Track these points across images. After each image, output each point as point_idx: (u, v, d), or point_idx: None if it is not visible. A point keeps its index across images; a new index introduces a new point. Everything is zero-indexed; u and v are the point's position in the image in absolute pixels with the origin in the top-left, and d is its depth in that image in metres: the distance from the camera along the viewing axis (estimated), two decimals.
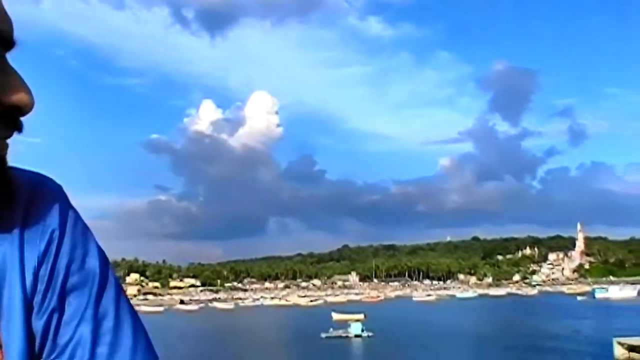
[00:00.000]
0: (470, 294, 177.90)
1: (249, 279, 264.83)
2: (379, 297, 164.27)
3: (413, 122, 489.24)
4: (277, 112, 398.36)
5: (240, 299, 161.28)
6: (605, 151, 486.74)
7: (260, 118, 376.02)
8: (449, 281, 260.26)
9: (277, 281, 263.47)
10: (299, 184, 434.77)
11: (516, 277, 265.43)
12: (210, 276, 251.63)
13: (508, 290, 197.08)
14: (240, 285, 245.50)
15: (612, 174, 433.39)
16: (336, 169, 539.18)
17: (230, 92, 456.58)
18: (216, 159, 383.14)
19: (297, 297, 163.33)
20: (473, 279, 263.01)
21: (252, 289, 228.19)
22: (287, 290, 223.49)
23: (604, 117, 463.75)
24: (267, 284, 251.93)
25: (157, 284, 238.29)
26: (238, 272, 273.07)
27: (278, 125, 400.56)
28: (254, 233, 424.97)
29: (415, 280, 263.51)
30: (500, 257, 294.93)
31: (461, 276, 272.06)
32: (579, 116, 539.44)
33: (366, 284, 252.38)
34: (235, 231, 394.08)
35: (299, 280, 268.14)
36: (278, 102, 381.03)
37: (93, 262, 0.97)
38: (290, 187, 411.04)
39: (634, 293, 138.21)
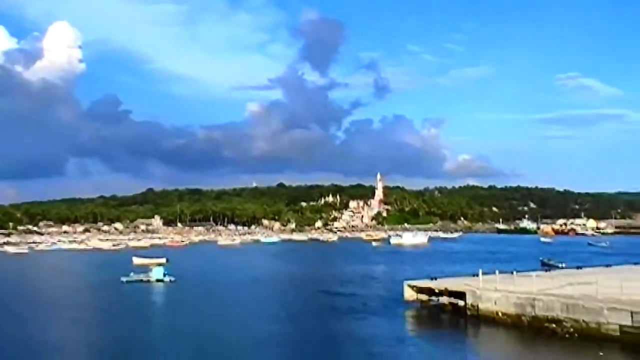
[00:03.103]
0: (274, 239, 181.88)
1: (45, 222, 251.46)
2: (183, 241, 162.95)
3: (224, 67, 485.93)
4: (80, 47, 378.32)
5: (35, 242, 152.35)
6: (405, 105, 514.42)
7: (60, 52, 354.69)
8: (253, 226, 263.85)
9: (77, 225, 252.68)
10: (102, 124, 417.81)
11: (318, 224, 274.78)
12: (1, 219, 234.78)
13: (310, 235, 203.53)
14: (35, 228, 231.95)
15: (411, 127, 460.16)
16: (142, 110, 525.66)
17: (27, 21, 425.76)
18: (9, 93, 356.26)
19: (98, 241, 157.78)
20: (277, 225, 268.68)
21: (48, 233, 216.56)
22: (87, 234, 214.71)
23: (405, 73, 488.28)
24: (65, 228, 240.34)
25: None
26: (33, 214, 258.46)
27: (80, 61, 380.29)
28: (51, 174, 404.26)
29: (221, 225, 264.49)
30: (304, 204, 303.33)
31: (266, 222, 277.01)
32: (383, 70, 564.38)
33: (170, 228, 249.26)
34: (31, 171, 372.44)
35: (100, 223, 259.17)
36: (81, 35, 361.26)
37: None
38: (93, 127, 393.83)
39: (425, 240, 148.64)
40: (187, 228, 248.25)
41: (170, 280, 56.47)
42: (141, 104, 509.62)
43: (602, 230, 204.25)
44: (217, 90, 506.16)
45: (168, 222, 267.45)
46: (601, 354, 24.73)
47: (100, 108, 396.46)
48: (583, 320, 28.11)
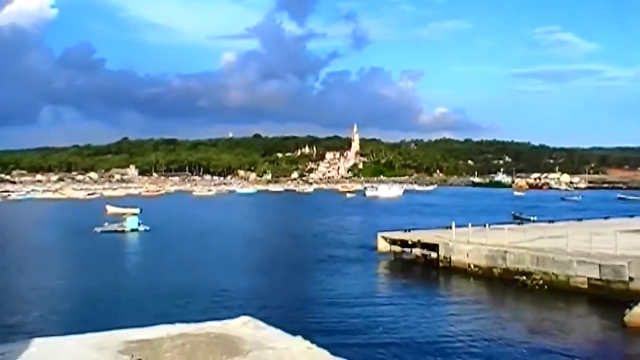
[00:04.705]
0: (249, 189, 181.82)
1: (18, 171, 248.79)
2: (158, 191, 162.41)
3: (200, 15, 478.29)
4: None
5: (7, 192, 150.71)
6: (384, 57, 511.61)
7: None
8: (229, 177, 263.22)
9: (50, 174, 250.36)
10: (76, 72, 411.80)
11: (294, 175, 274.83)
12: None
13: (286, 186, 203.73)
14: (8, 177, 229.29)
15: (389, 79, 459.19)
16: (117, 58, 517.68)
17: None
18: None
19: (72, 190, 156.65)
20: (253, 175, 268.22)
21: (21, 182, 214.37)
22: (61, 183, 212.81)
23: (385, 24, 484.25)
24: (39, 177, 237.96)
25: None
26: (5, 163, 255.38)
27: (52, 7, 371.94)
28: (24, 122, 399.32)
29: (196, 175, 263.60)
30: (280, 155, 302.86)
31: (241, 172, 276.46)
32: (362, 21, 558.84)
33: (146, 178, 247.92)
34: (2, 119, 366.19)
35: (74, 173, 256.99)
36: None
37: None
38: (66, 75, 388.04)
39: (400, 192, 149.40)
40: (162, 178, 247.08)
41: (145, 229, 56.32)
42: (115, 53, 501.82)
43: (575, 185, 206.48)
44: (193, 39, 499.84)
45: (143, 172, 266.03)
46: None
47: (73, 56, 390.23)
48: (553, 273, 28.52)
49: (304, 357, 5.54)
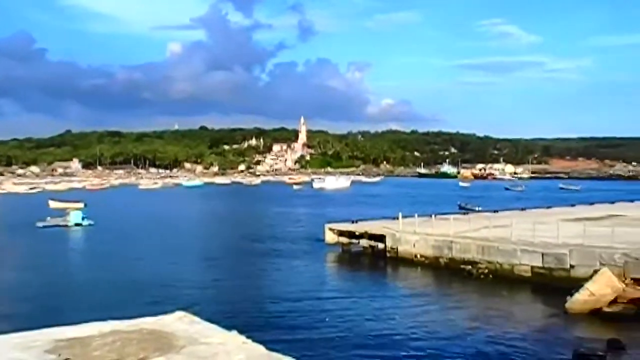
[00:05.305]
0: (196, 182, 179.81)
1: None
2: (102, 185, 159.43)
3: (144, 5, 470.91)
4: None
5: None
6: (330, 49, 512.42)
7: None
8: (175, 169, 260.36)
9: None
10: (15, 63, 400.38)
11: (241, 167, 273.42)
12: None
13: (233, 179, 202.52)
14: None
15: (336, 71, 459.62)
16: (58, 49, 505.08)
17: None
18: None
19: (13, 184, 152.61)
20: (200, 168, 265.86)
21: None
22: (1, 177, 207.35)
23: (331, 15, 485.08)
24: None
25: None
26: None
27: None
28: None
29: (142, 168, 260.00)
30: (226, 147, 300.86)
31: (188, 165, 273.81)
32: (308, 12, 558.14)
33: (90, 171, 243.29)
34: None
35: (14, 167, 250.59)
36: None
37: None
38: (5, 66, 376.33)
39: (348, 183, 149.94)
40: (107, 171, 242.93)
41: (89, 224, 55.25)
42: (57, 43, 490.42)
43: (519, 175, 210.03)
44: (137, 29, 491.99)
45: (87, 165, 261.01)
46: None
47: (11, 46, 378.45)
48: (497, 262, 29.00)
49: (239, 352, 5.41)
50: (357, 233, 38.40)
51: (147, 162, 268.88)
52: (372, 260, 35.65)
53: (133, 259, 37.41)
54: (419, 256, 33.01)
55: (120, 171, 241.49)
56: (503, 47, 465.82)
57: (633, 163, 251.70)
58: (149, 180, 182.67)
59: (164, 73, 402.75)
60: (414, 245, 33.48)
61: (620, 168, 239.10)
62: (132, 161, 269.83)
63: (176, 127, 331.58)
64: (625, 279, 23.74)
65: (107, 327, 6.21)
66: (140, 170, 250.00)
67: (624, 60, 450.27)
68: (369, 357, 17.93)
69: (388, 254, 34.97)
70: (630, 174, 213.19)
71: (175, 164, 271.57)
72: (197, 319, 6.58)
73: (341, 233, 39.72)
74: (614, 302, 22.13)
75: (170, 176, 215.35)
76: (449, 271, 30.52)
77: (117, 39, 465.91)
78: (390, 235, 35.29)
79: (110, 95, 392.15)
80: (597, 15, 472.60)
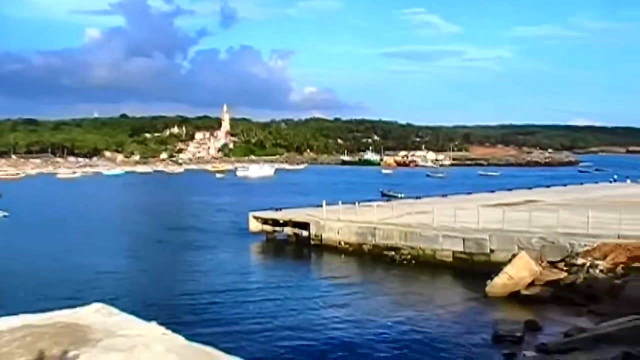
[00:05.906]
0: (117, 171, 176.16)
1: None
2: (18, 174, 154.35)
3: None
4: None
5: None
6: (253, 36, 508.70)
7: None
8: (95, 158, 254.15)
9: None
10: None
11: (163, 155, 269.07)
12: None
13: (155, 167, 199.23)
14: None
15: (258, 58, 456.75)
16: None
17: None
18: None
19: None
20: (120, 157, 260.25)
21: None
22: None
23: (253, 2, 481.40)
24: None
25: None
26: None
27: None
28: None
29: (60, 157, 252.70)
30: (148, 135, 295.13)
31: (108, 153, 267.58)
32: None
33: (3, 160, 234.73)
34: None
35: None
36: None
37: None
38: None
39: (271, 171, 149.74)
40: (22, 160, 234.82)
41: (3, 215, 53.25)
42: None
43: (440, 162, 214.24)
44: (54, 13, 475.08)
45: (0, 154, 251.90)
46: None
47: None
48: (420, 248, 29.46)
49: (158, 343, 5.25)
50: (281, 221, 38.33)
51: (66, 151, 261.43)
52: (297, 248, 35.67)
53: (50, 251, 36.27)
54: (342, 243, 33.21)
55: (37, 160, 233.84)
56: (425, 36, 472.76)
57: (549, 150, 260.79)
58: (68, 169, 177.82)
59: (82, 59, 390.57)
60: (338, 233, 33.66)
61: (537, 155, 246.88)
62: (49, 150, 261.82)
63: (95, 115, 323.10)
64: (542, 262, 24.50)
65: (17, 321, 5.92)
66: (58, 159, 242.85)
67: (541, 50, 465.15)
68: (291, 347, 17.87)
69: (312, 242, 35.04)
70: (547, 160, 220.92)
71: (95, 152, 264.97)
72: (115, 310, 6.37)
73: (265, 221, 39.56)
74: (531, 284, 22.76)
75: (90, 165, 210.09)
76: (373, 257, 30.84)
77: (32, 23, 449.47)
78: (314, 223, 35.37)
79: (25, 82, 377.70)
80: (516, 6, 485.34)
